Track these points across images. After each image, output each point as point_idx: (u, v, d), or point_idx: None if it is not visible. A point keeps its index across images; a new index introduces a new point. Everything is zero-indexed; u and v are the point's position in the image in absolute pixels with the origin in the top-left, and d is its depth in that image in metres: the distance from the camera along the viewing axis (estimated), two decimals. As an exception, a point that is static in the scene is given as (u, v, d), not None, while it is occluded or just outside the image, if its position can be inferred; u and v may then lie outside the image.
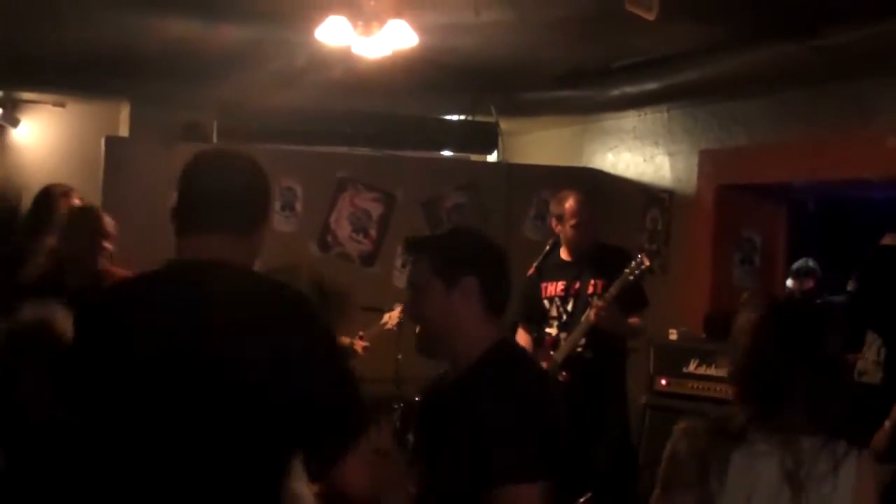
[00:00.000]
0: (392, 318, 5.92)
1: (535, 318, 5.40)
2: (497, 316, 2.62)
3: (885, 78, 5.58)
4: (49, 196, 4.81)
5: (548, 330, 5.34)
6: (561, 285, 5.35)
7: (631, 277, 5.01)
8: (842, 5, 4.58)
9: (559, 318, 5.32)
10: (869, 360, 5.15)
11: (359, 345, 5.71)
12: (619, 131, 7.86)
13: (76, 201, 4.79)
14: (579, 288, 5.26)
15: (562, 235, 5.39)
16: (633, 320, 5.18)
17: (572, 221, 5.29)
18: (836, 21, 4.73)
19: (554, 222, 5.42)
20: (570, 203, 5.33)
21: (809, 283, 7.04)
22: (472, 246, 2.66)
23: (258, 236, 2.33)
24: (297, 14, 5.18)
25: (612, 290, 5.02)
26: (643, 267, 5.02)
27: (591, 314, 5.03)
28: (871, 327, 5.10)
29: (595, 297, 5.12)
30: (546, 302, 5.39)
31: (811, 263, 7.18)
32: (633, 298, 5.14)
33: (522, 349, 2.92)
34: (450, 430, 2.51)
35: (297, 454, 2.35)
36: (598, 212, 5.54)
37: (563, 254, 5.41)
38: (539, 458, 2.38)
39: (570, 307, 5.29)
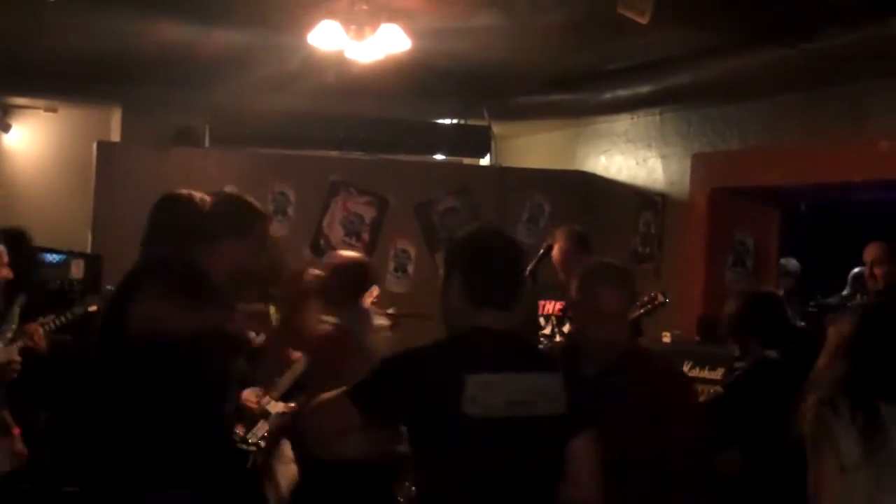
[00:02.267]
0: (364, 299, 5.74)
1: (525, 332, 5.44)
2: None
3: (878, 81, 5.58)
4: None
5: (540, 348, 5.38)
6: (560, 305, 5.38)
7: (641, 311, 4.96)
8: (834, 9, 4.58)
9: (552, 337, 5.34)
10: None
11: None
12: (612, 134, 7.85)
13: None
14: None
15: None
16: None
17: (557, 264, 5.49)
18: (828, 24, 4.73)
19: None
20: (555, 250, 5.52)
21: (790, 282, 7.11)
22: None
23: None
24: (290, 18, 5.17)
25: None
26: (657, 302, 4.98)
27: None
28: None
29: None
30: (542, 319, 5.42)
31: (792, 263, 7.23)
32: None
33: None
34: None
35: None
36: (580, 253, 5.53)
37: (561, 275, 5.47)
38: None
39: (565, 328, 5.31)
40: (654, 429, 3.16)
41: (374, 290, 5.71)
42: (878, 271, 5.44)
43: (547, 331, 5.40)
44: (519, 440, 2.67)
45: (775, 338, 4.21)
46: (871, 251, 5.49)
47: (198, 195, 3.97)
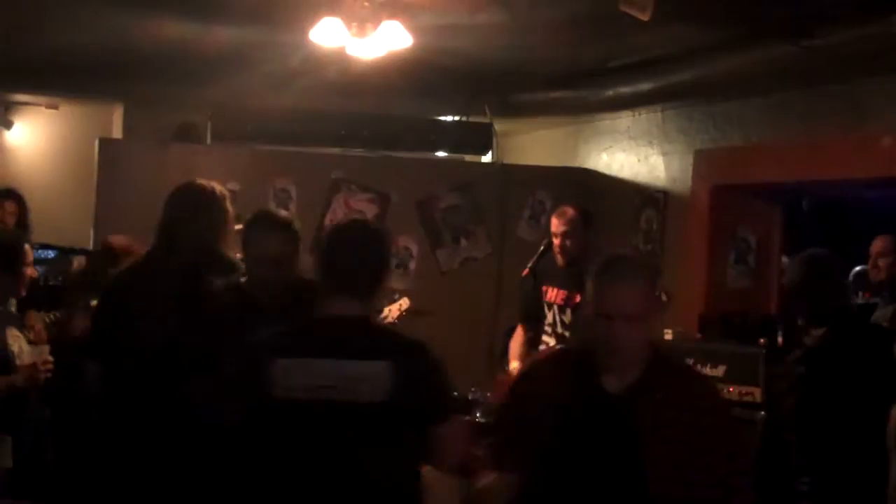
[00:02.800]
0: (392, 311, 5.77)
1: (533, 318, 5.45)
2: None
3: (879, 78, 5.57)
4: None
5: (544, 338, 5.37)
6: (562, 294, 5.37)
7: None
8: (836, 6, 4.58)
9: (554, 325, 5.34)
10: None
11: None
12: (614, 131, 7.85)
13: None
14: (579, 301, 5.27)
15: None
16: None
17: (555, 236, 5.43)
18: (830, 21, 4.73)
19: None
20: (553, 220, 5.48)
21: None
22: None
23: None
24: (292, 15, 5.16)
25: None
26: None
27: None
28: None
29: None
30: (545, 306, 5.42)
31: (784, 262, 7.22)
32: None
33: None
34: None
35: None
36: (582, 226, 5.50)
37: (560, 262, 5.45)
38: None
39: (566, 318, 5.31)
40: (689, 455, 2.74)
41: (405, 303, 5.72)
42: (882, 263, 5.50)
43: (549, 319, 5.39)
44: (323, 424, 2.77)
45: (820, 316, 4.07)
46: (877, 244, 5.57)
47: (219, 187, 4.00)
